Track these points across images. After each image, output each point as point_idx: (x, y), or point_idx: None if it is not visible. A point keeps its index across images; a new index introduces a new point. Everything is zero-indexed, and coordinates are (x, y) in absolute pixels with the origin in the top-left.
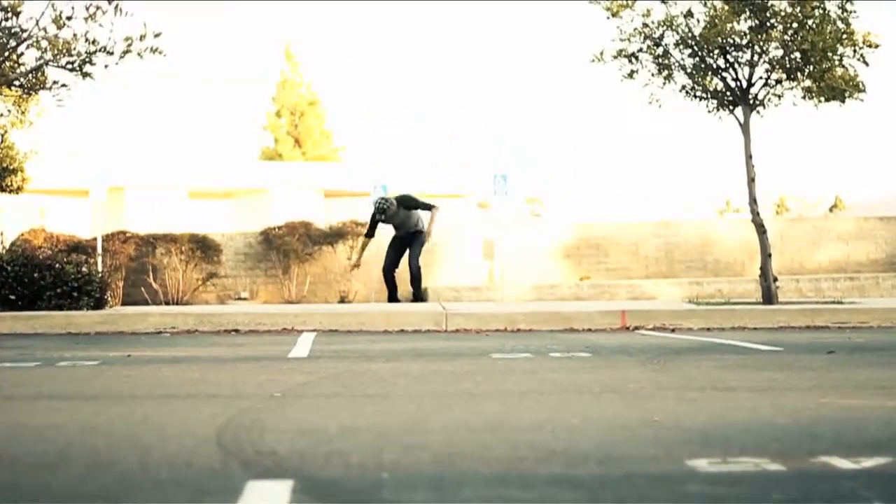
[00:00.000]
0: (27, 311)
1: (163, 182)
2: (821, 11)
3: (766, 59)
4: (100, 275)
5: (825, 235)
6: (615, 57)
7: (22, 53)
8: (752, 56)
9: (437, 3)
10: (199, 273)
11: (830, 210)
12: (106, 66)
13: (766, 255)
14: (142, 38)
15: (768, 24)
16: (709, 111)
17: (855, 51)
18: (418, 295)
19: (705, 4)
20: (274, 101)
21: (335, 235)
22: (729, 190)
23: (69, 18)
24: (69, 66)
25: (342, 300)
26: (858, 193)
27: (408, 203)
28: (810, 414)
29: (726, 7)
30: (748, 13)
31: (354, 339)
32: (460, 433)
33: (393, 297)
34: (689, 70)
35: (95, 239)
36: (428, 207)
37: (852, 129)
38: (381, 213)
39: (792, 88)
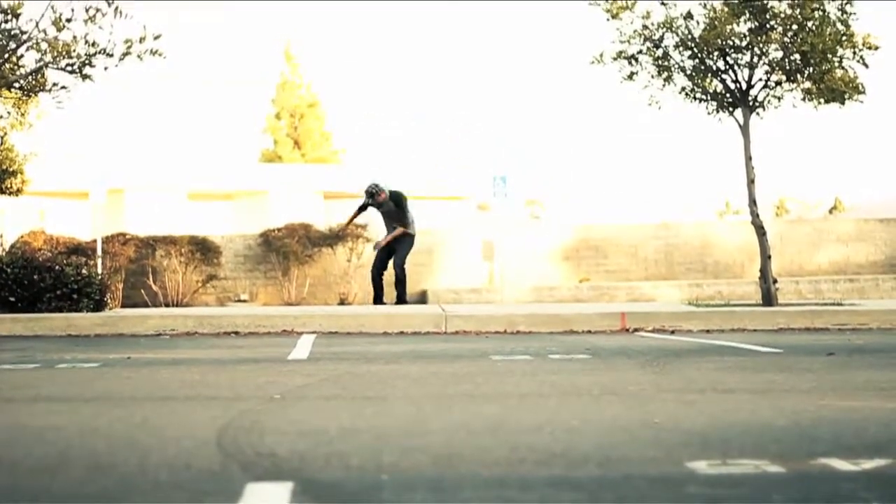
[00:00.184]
0: (27, 313)
1: (162, 184)
2: (820, 13)
3: (766, 61)
4: (99, 277)
5: (825, 237)
6: (615, 59)
7: (22, 55)
8: (752, 58)
9: (437, 3)
10: (199, 275)
11: (830, 212)
12: (105, 69)
13: (765, 257)
14: (141, 40)
15: (768, 25)
16: (708, 113)
17: (854, 52)
18: (402, 298)
19: (705, 6)
20: (273, 103)
21: (335, 237)
22: (728, 192)
23: (69, 20)
24: (69, 69)
25: (342, 302)
26: (858, 195)
27: (396, 200)
28: (810, 416)
29: (726, 9)
30: (748, 15)
31: (354, 341)
32: (460, 435)
33: (378, 300)
34: (688, 72)
35: (95, 241)
36: (405, 223)
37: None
38: (370, 196)
39: (792, 90)
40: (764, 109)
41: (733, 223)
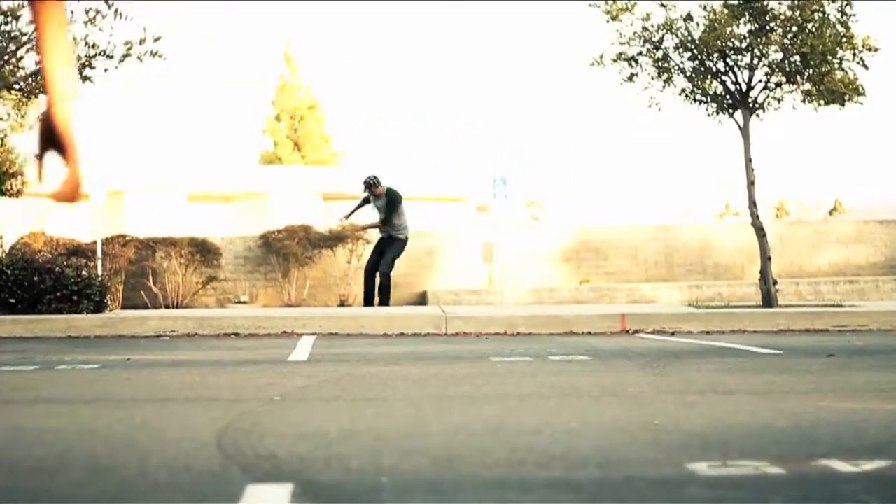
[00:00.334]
0: (27, 314)
1: (162, 185)
2: (820, 15)
3: (766, 63)
4: (99, 278)
5: (825, 239)
6: (615, 60)
7: (22, 57)
8: (752, 59)
9: (436, 4)
10: (199, 277)
11: (830, 213)
12: (106, 70)
13: (765, 259)
14: (141, 41)
15: (768, 27)
16: (708, 115)
17: (854, 54)
18: (384, 303)
19: (705, 8)
20: (273, 105)
21: (335, 239)
22: (728, 193)
23: (69, 22)
24: None
25: (342, 304)
26: (858, 197)
27: (392, 198)
28: (810, 417)
29: (726, 11)
30: (748, 17)
31: (354, 343)
32: (460, 437)
33: (368, 301)
34: (688, 73)
35: (95, 242)
36: (395, 222)
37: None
38: (367, 186)
39: (791, 92)
40: (764, 111)
41: (733, 225)
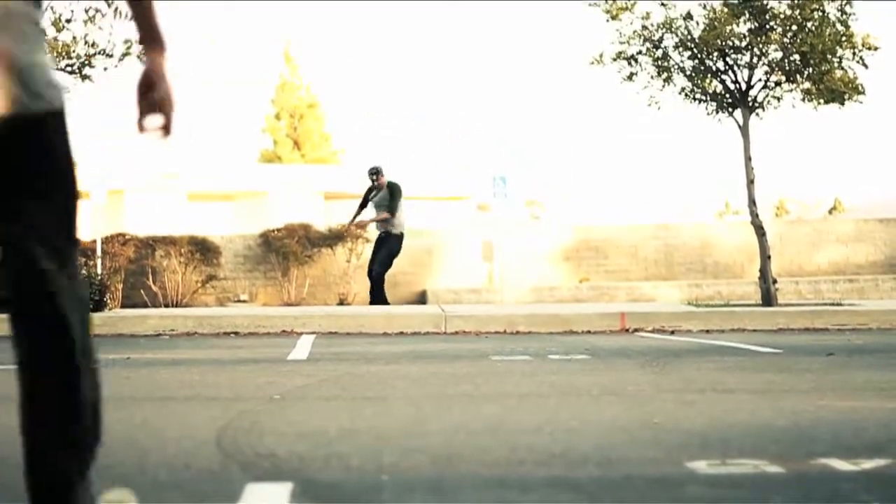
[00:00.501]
0: None
1: (162, 184)
2: (820, 14)
3: (766, 62)
4: (99, 277)
5: (824, 237)
6: (614, 59)
7: None
8: (752, 58)
9: (436, 4)
10: (199, 275)
11: (830, 212)
12: (105, 69)
13: (765, 258)
14: None
15: (767, 26)
16: (708, 113)
17: (854, 53)
18: (377, 301)
19: (704, 7)
20: (273, 104)
21: (335, 238)
22: (728, 192)
23: (68, 21)
24: (68, 69)
25: (341, 302)
26: (858, 195)
27: (392, 190)
28: (809, 416)
29: (725, 10)
30: (747, 15)
31: (354, 342)
32: (459, 435)
33: (377, 300)
34: (688, 72)
35: (95, 241)
36: (392, 210)
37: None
38: (372, 174)
39: (791, 91)
40: (763, 110)
41: (733, 223)
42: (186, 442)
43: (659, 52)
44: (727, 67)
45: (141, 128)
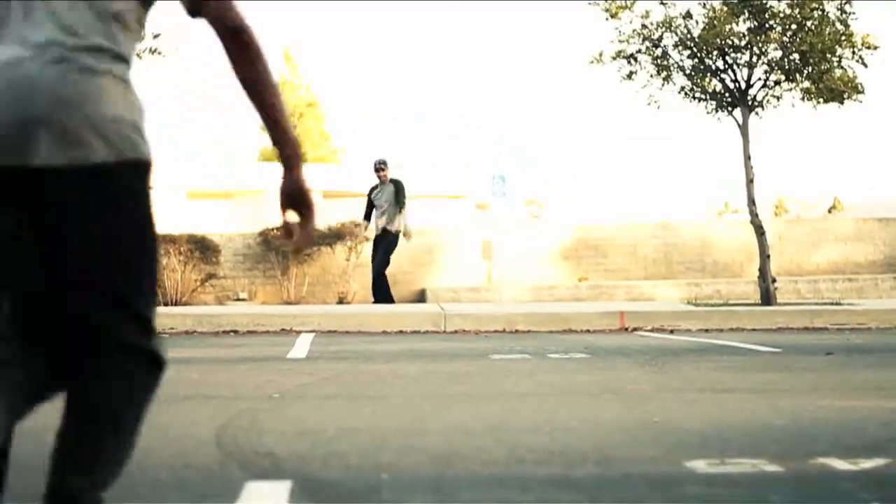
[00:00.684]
0: None
1: (161, 182)
2: (820, 13)
3: (765, 61)
4: None
5: (824, 237)
6: (614, 58)
7: None
8: (751, 57)
9: (435, 4)
10: (198, 274)
11: (829, 211)
12: None
13: (764, 257)
14: (140, 39)
15: (767, 25)
16: (707, 112)
17: (854, 52)
18: (380, 300)
19: (704, 6)
20: None
21: (334, 236)
22: (728, 191)
23: None
24: None
25: (341, 301)
26: (857, 195)
27: (398, 186)
28: (809, 415)
29: (725, 8)
30: (747, 15)
31: (353, 340)
32: (458, 435)
33: (385, 299)
34: (687, 71)
35: None
36: (403, 204)
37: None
38: (380, 167)
39: (791, 90)
40: (763, 109)
41: (732, 223)
42: (186, 441)
43: (658, 51)
44: (726, 66)
45: (287, 235)
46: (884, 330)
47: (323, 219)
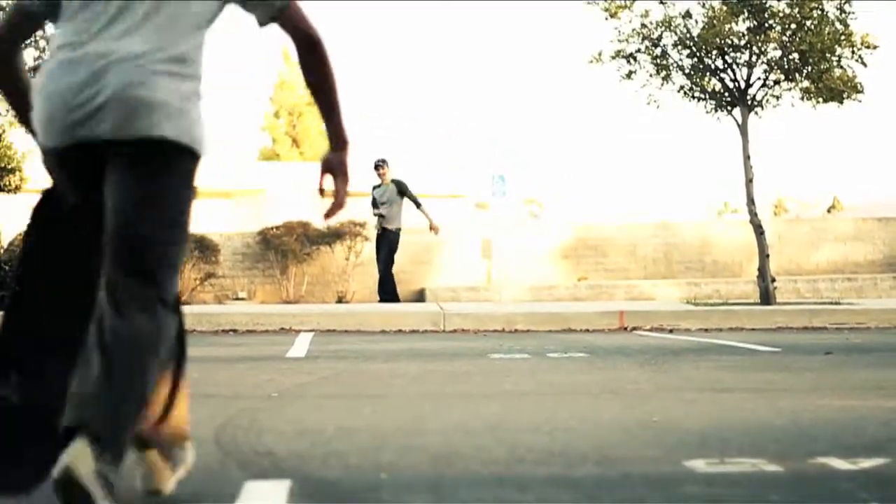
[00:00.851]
0: None
1: None
2: (819, 12)
3: (765, 60)
4: None
5: (823, 236)
6: (613, 58)
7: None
8: (751, 57)
9: (435, 3)
10: (197, 273)
11: (828, 211)
12: None
13: (763, 256)
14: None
15: (766, 25)
16: (707, 112)
17: (853, 52)
18: (387, 299)
19: (703, 5)
20: (272, 102)
21: (333, 236)
22: (727, 191)
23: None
24: None
25: (340, 300)
26: (856, 194)
27: (401, 186)
28: (808, 415)
29: (724, 8)
30: (746, 14)
31: (352, 340)
32: (458, 434)
33: (393, 298)
34: (687, 71)
35: None
36: (418, 203)
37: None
38: (379, 164)
39: (790, 89)
40: (762, 108)
41: (732, 222)
42: None
43: (658, 51)
44: (726, 66)
45: (321, 189)
46: (883, 329)
47: (321, 218)
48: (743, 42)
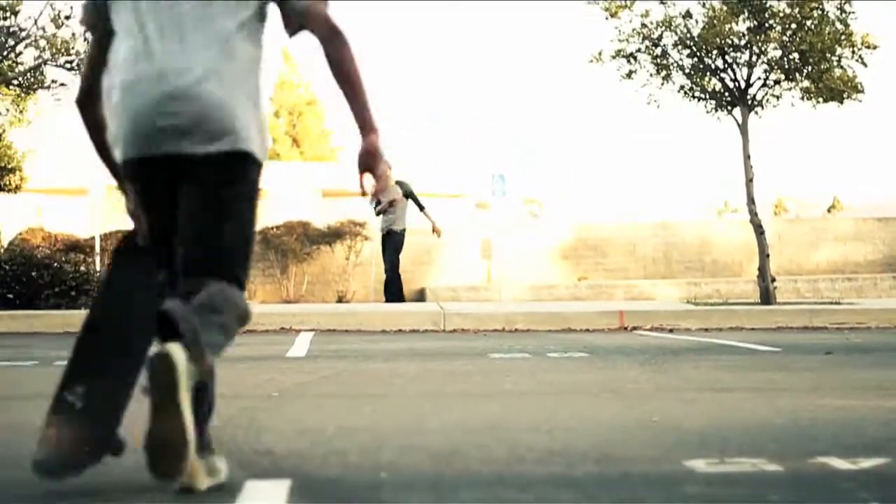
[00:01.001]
0: (25, 310)
1: None
2: (819, 12)
3: (765, 60)
4: (98, 274)
5: (823, 236)
6: (613, 57)
7: (20, 52)
8: (751, 57)
9: (435, 3)
10: None
11: (828, 211)
12: None
13: (764, 256)
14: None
15: (767, 24)
16: (707, 112)
17: (853, 52)
18: (388, 300)
19: (704, 5)
20: (272, 102)
21: (333, 235)
22: (727, 191)
23: (67, 18)
24: (67, 66)
25: (340, 300)
26: (856, 194)
27: (406, 188)
28: (808, 415)
29: (725, 8)
30: (747, 14)
31: (352, 339)
32: (458, 433)
33: (400, 297)
34: (687, 70)
35: (93, 238)
36: (422, 206)
37: (850, 131)
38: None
39: (790, 89)
40: (762, 108)
41: (732, 222)
42: None
43: (658, 50)
44: (726, 66)
45: (363, 190)
46: (883, 329)
47: (322, 218)
48: (743, 42)
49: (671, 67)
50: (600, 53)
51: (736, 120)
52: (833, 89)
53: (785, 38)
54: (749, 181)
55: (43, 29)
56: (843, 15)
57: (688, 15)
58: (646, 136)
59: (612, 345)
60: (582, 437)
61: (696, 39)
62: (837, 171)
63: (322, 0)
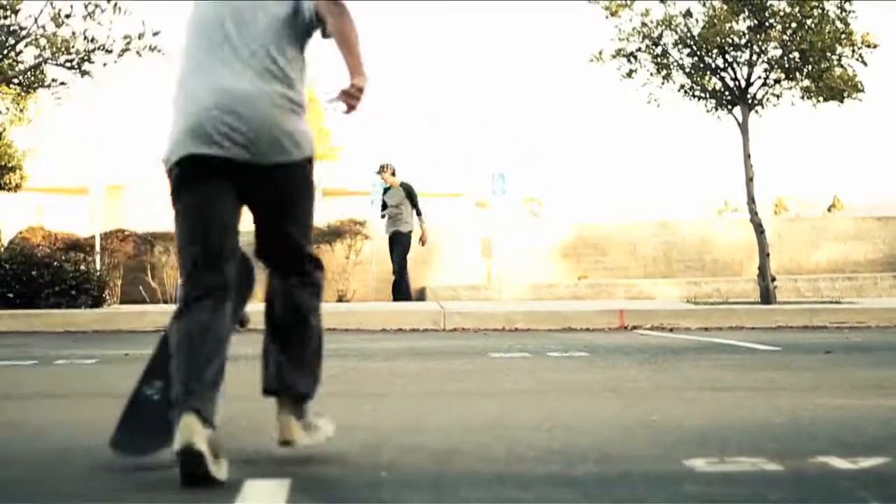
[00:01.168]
0: (25, 309)
1: (162, 181)
2: (820, 11)
3: (765, 59)
4: (98, 273)
5: (823, 235)
6: (614, 56)
7: (21, 51)
8: (751, 56)
9: (435, 3)
10: None
11: (829, 210)
12: (105, 65)
13: (764, 255)
14: (140, 36)
15: (767, 23)
16: (707, 111)
17: (854, 51)
18: (396, 299)
19: (704, 4)
20: None
21: (333, 234)
22: (727, 190)
23: (68, 17)
24: (68, 65)
25: (340, 299)
26: (856, 193)
27: (409, 189)
28: (808, 414)
29: (725, 7)
30: (747, 13)
31: (352, 338)
32: (458, 432)
33: (408, 297)
34: (687, 70)
35: (94, 237)
36: (419, 211)
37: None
38: (378, 171)
39: (790, 88)
40: (763, 107)
41: (732, 221)
42: None
43: (658, 50)
44: (726, 65)
45: (332, 101)
46: (883, 328)
47: (322, 217)
48: (743, 41)
49: (671, 66)
50: (600, 53)
51: (736, 119)
52: (833, 88)
53: (785, 37)
54: (749, 180)
55: (43, 28)
56: (844, 14)
57: (688, 14)
58: (646, 135)
59: (612, 344)
60: (582, 436)
61: (697, 38)
62: (837, 170)
63: None
